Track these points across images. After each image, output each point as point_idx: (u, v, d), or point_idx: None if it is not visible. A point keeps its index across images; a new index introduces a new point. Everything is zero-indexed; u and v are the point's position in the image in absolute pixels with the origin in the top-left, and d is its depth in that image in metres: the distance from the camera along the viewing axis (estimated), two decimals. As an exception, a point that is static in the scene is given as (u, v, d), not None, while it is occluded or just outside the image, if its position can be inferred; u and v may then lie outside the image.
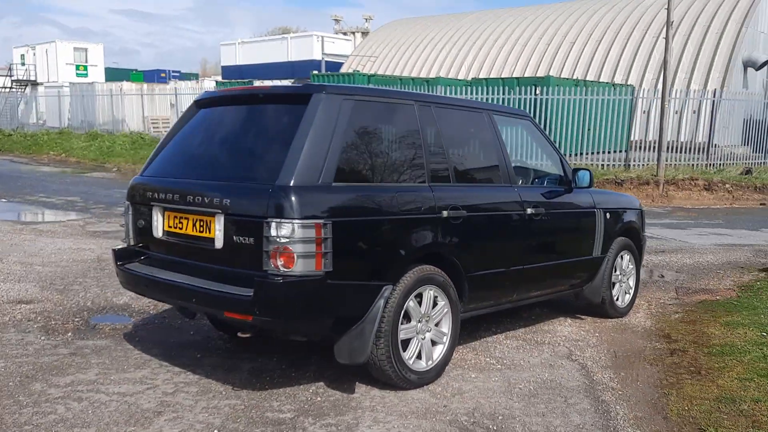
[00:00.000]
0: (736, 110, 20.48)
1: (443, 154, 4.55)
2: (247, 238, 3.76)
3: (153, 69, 51.93)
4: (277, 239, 3.62)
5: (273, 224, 3.63)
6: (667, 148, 17.47)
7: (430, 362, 4.35)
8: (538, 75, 25.37)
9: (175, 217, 4.22)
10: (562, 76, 24.90)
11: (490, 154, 4.98)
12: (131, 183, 4.66)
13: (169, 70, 51.17)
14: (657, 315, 6.32)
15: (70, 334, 5.30)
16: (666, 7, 16.87)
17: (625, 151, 19.65)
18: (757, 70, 24.56)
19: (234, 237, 3.82)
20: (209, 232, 3.98)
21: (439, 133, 4.54)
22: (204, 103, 4.70)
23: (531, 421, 3.83)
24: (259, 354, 4.84)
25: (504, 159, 5.03)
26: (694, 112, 20.46)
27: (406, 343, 4.21)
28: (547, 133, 18.57)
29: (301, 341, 4.70)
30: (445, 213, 4.34)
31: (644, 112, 21.43)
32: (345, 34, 47.60)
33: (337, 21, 53.47)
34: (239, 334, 4.12)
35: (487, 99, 18.53)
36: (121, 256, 4.58)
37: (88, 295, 6.47)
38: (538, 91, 18.30)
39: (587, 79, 24.41)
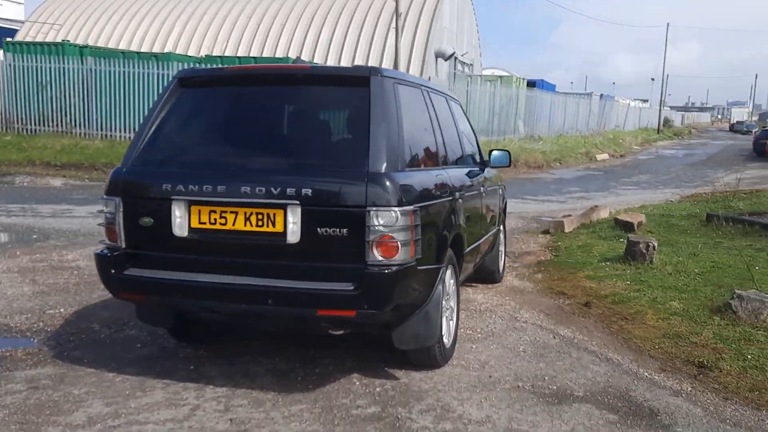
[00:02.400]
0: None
1: (442, 138, 4.71)
2: (337, 230, 3.53)
3: None
4: (378, 228, 3.50)
5: (373, 213, 3.49)
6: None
7: (450, 338, 4.53)
8: (252, 55, 25.35)
9: (212, 211, 3.70)
10: (277, 56, 25.35)
11: (456, 136, 5.25)
12: (120, 176, 3.90)
13: None
14: (524, 276, 7.26)
15: (-20, 367, 4.22)
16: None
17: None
18: (446, 60, 28.03)
19: (318, 229, 3.55)
20: (273, 226, 3.61)
21: (437, 117, 4.69)
22: (198, 81, 4.14)
23: (571, 377, 4.30)
24: (253, 356, 4.47)
25: (463, 140, 5.35)
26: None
27: (438, 322, 4.33)
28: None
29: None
30: (457, 194, 4.53)
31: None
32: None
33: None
34: (332, 332, 3.84)
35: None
36: (114, 261, 3.84)
37: (-70, 319, 5.11)
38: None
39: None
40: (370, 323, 3.88)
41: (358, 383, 4.10)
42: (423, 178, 4.03)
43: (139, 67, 18.27)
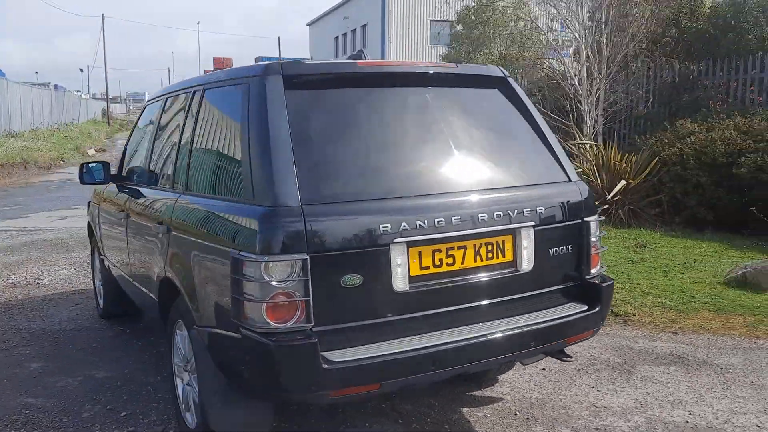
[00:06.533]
0: None
1: None
2: (565, 248, 3.15)
3: None
4: (593, 240, 3.29)
5: (592, 224, 3.27)
6: None
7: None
8: None
9: (436, 251, 2.78)
10: None
11: None
12: (302, 222, 2.50)
13: None
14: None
15: None
16: None
17: None
18: None
19: (550, 251, 3.09)
20: (503, 256, 2.97)
21: None
22: (314, 82, 2.91)
23: (584, 349, 4.69)
24: (345, 417, 3.47)
25: None
26: None
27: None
28: None
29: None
30: None
31: None
32: None
33: None
34: (564, 359, 3.25)
35: None
36: (318, 349, 2.50)
37: None
38: None
39: None
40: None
41: (485, 417, 3.69)
42: None
43: None
